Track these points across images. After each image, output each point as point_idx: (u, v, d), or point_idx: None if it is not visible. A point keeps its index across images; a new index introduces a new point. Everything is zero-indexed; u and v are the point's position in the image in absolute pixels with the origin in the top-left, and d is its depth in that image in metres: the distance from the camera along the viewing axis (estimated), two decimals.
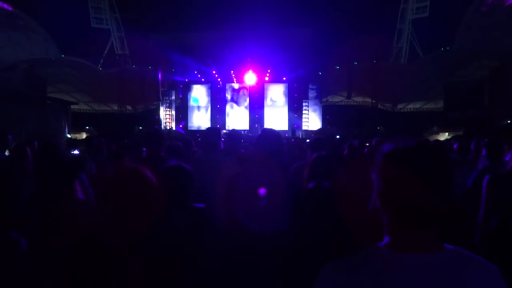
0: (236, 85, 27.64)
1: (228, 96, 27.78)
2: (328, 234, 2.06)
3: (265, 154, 2.51)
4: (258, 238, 1.75)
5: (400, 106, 30.87)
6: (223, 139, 4.82)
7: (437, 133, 23.30)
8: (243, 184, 1.87)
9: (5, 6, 28.02)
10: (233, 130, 4.17)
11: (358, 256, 1.07)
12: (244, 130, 25.11)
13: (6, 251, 1.65)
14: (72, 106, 22.99)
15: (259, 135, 2.65)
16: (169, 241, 2.03)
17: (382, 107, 30.80)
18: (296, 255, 1.81)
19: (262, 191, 1.87)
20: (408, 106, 30.83)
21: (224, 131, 22.87)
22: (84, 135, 18.20)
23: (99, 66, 33.80)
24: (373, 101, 30.56)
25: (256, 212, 1.83)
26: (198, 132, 23.67)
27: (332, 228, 2.20)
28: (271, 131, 2.76)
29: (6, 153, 4.81)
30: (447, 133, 22.17)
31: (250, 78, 26.69)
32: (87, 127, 25.96)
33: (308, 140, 11.51)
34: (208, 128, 3.70)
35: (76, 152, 6.41)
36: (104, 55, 34.76)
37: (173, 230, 2.08)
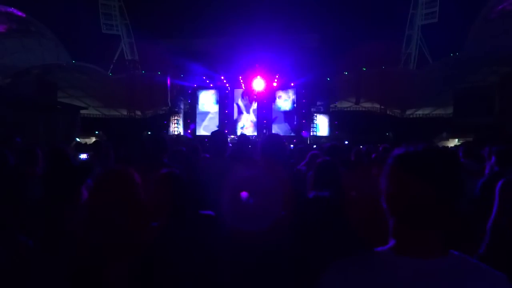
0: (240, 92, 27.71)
1: (240, 104, 27.85)
2: (328, 240, 2.05)
3: (270, 159, 2.53)
4: (252, 238, 1.76)
5: (409, 112, 30.66)
6: (230, 144, 4.81)
7: (447, 139, 23.08)
8: (237, 186, 1.90)
9: (18, 13, 28.55)
10: (242, 134, 4.15)
11: (362, 257, 1.07)
12: (252, 136, 25.14)
13: (14, 253, 1.67)
14: (82, 111, 23.23)
15: (263, 141, 2.66)
16: (173, 248, 2.03)
17: (391, 113, 30.63)
18: (292, 258, 1.82)
19: (244, 194, 1.89)
20: (417, 112, 30.61)
21: (232, 136, 22.94)
22: (93, 140, 18.35)
23: (109, 71, 34.18)
24: (382, 107, 30.42)
25: (244, 212, 1.85)
26: (207, 137, 23.75)
27: (333, 235, 2.19)
28: (275, 136, 2.77)
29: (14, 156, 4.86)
30: (456, 139, 21.94)
31: (259, 84, 26.74)
32: (96, 132, 26.18)
33: (314, 146, 11.46)
34: (213, 132, 3.64)
35: (84, 156, 6.47)
36: (114, 61, 35.17)
37: (178, 237, 2.07)
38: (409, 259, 1.00)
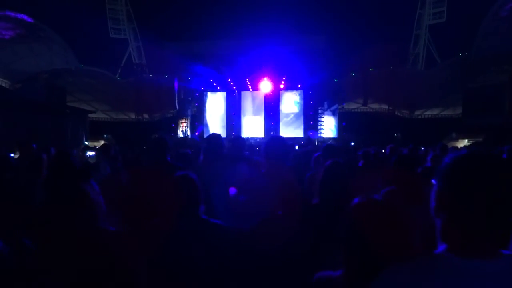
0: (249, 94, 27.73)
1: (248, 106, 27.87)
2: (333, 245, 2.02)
3: (273, 161, 2.53)
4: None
5: (417, 112, 30.43)
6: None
7: (456, 140, 22.85)
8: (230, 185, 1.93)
9: (28, 19, 28.92)
10: (236, 136, 4.23)
11: (420, 261, 1.07)
12: (259, 138, 25.13)
13: (20, 257, 1.67)
14: (90, 115, 23.41)
15: (266, 143, 2.65)
16: (178, 251, 2.02)
17: (399, 114, 30.42)
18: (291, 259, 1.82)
19: (232, 190, 1.90)
20: (426, 113, 30.35)
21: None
22: (102, 143, 18.48)
23: (117, 75, 34.43)
24: (390, 108, 30.23)
25: (235, 209, 1.86)
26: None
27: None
28: (278, 138, 2.76)
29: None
30: (466, 140, 21.72)
31: (266, 86, 26.73)
32: (105, 135, 26.38)
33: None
34: (209, 136, 3.74)
35: (92, 153, 6.56)
36: (122, 65, 35.41)
37: (183, 241, 2.06)
38: (469, 261, 1.01)
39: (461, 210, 1.03)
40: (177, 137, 26.84)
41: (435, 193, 1.10)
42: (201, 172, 3.07)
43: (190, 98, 29.24)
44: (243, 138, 4.28)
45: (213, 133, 3.83)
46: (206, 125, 28.61)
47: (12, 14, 28.04)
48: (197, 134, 28.09)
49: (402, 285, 1.03)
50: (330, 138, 26.10)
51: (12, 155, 5.22)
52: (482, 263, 1.00)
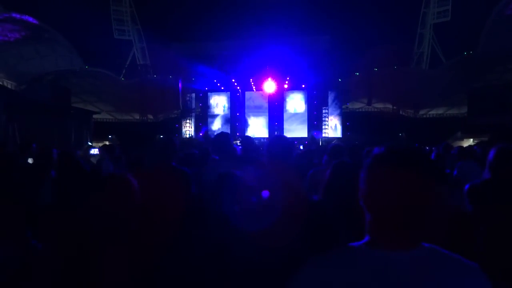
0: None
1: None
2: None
3: (276, 161, 2.52)
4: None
5: (422, 112, 30.32)
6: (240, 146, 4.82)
7: (461, 139, 22.72)
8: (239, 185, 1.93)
9: (33, 20, 29.11)
10: (246, 136, 4.17)
11: (336, 252, 1.09)
12: (263, 138, 25.12)
13: (25, 257, 1.68)
14: (95, 116, 23.50)
15: (269, 142, 2.64)
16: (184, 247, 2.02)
17: (403, 113, 30.32)
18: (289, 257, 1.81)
19: (265, 193, 1.90)
20: (431, 112, 30.24)
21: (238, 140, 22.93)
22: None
23: (122, 76, 34.60)
24: (395, 107, 30.14)
25: (247, 212, 1.86)
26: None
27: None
28: (282, 138, 2.75)
29: (30, 160, 4.96)
30: (471, 139, 21.59)
31: (269, 86, 26.72)
32: (109, 136, 26.48)
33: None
34: (216, 135, 3.67)
35: (96, 151, 6.60)
36: (126, 66, 35.60)
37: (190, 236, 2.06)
38: (380, 252, 1.02)
39: (379, 205, 1.04)
40: (183, 137, 26.90)
41: (360, 191, 1.12)
42: (211, 172, 3.05)
43: (194, 99, 29.27)
44: (252, 138, 4.22)
45: (222, 132, 3.77)
46: (210, 126, 28.64)
47: (17, 16, 28.24)
48: (201, 134, 28.14)
49: (318, 278, 1.04)
50: (334, 138, 26.05)
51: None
52: (399, 255, 1.01)
